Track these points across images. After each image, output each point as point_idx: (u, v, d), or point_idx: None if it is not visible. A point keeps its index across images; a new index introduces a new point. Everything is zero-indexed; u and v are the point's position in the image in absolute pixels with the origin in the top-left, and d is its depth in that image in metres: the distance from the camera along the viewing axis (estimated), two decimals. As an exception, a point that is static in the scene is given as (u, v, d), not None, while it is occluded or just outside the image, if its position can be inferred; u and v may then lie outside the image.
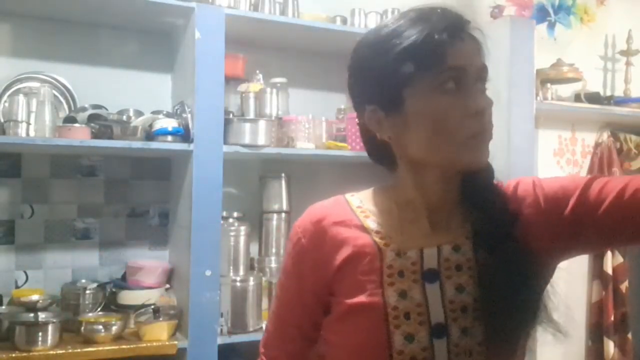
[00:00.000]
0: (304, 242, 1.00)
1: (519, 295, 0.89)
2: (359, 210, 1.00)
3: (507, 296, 0.89)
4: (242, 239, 2.27)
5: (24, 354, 1.84)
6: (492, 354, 0.90)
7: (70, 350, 1.90)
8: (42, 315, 1.99)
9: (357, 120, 1.03)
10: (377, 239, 0.96)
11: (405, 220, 0.98)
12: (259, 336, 2.18)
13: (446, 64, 0.88)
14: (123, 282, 2.26)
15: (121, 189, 2.39)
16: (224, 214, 2.21)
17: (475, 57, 0.91)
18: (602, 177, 0.93)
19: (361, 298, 0.92)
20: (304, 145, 2.35)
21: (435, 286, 0.92)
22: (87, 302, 2.12)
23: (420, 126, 0.91)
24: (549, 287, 0.95)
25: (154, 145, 2.08)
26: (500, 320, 0.89)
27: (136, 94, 2.37)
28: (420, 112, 0.90)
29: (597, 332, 3.09)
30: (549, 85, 2.92)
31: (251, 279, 2.22)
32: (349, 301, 0.93)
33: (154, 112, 2.23)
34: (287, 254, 1.05)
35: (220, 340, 2.10)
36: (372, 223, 0.98)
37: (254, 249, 2.42)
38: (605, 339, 3.05)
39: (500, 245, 0.91)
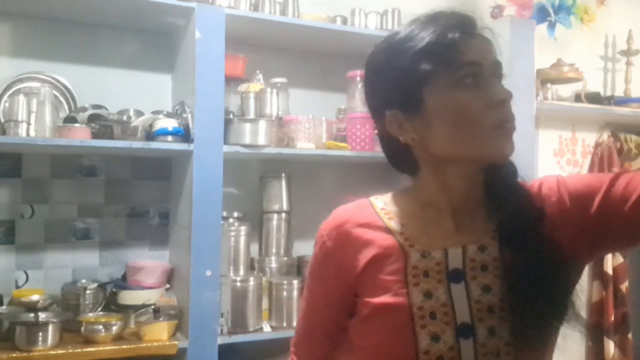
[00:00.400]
0: (329, 244, 1.02)
1: (547, 294, 0.89)
2: (382, 212, 1.02)
3: (535, 296, 0.88)
4: (242, 239, 2.27)
5: (25, 354, 1.84)
6: (520, 354, 0.90)
7: (70, 351, 1.90)
8: (42, 315, 1.99)
9: (375, 129, 1.06)
10: (401, 240, 0.97)
11: (429, 221, 0.99)
12: (259, 336, 2.20)
13: (462, 59, 0.90)
14: (123, 282, 2.26)
15: (121, 189, 2.39)
16: (224, 214, 2.21)
17: (488, 53, 0.94)
18: (626, 172, 0.92)
19: (386, 298, 0.93)
20: (304, 145, 2.35)
21: (460, 286, 0.92)
22: (87, 302, 2.12)
23: (443, 123, 0.92)
24: (577, 285, 0.95)
25: (155, 145, 2.08)
26: (528, 321, 0.89)
27: (136, 94, 2.37)
28: (442, 108, 0.92)
29: (597, 332, 3.09)
30: (549, 85, 2.92)
31: (251, 279, 2.22)
32: (374, 301, 0.94)
33: (154, 112, 2.23)
34: (313, 257, 1.07)
35: (220, 340, 2.10)
36: (395, 224, 0.99)
37: (254, 249, 2.42)
38: (606, 339, 3.05)
39: (527, 244, 0.91)
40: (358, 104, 2.50)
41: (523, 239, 0.91)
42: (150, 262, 2.32)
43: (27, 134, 1.99)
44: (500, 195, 0.96)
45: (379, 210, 1.02)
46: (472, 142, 0.91)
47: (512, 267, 0.91)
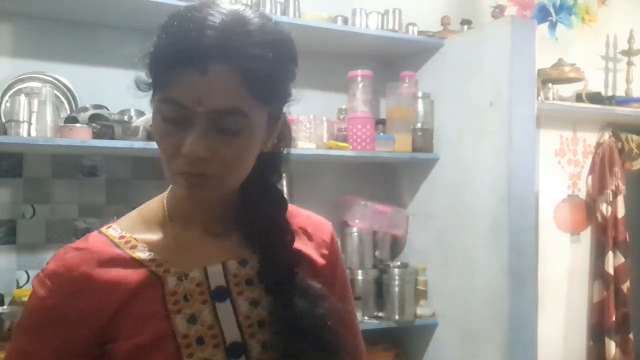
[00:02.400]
0: (58, 296, 0.84)
1: (307, 311, 0.87)
2: (122, 242, 0.89)
3: (297, 310, 0.86)
4: (243, 239, 2.27)
5: (26, 354, 1.84)
6: None
7: (71, 350, 1.90)
8: (43, 315, 1.99)
9: None
10: (153, 268, 0.86)
11: (182, 240, 0.89)
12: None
13: (163, 95, 0.81)
14: (124, 282, 2.25)
15: (122, 188, 2.39)
16: (225, 214, 2.21)
17: (211, 97, 0.78)
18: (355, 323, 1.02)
19: (147, 335, 0.82)
20: (305, 145, 2.35)
21: (226, 304, 0.86)
22: (88, 302, 2.12)
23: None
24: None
25: (156, 145, 2.07)
26: (295, 337, 0.85)
27: (137, 94, 2.36)
28: (152, 125, 0.85)
29: (598, 332, 3.09)
30: (550, 85, 2.92)
31: (252, 279, 2.22)
32: (133, 342, 0.82)
33: (155, 112, 2.23)
34: (30, 313, 0.87)
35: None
36: (142, 253, 0.87)
37: (255, 249, 2.41)
38: (607, 339, 3.04)
39: (284, 274, 0.89)
40: (359, 104, 2.50)
41: (278, 276, 0.88)
42: (151, 262, 2.32)
43: (29, 134, 1.99)
44: (252, 224, 0.91)
45: (118, 241, 0.88)
46: (168, 175, 0.84)
47: (273, 281, 0.88)
